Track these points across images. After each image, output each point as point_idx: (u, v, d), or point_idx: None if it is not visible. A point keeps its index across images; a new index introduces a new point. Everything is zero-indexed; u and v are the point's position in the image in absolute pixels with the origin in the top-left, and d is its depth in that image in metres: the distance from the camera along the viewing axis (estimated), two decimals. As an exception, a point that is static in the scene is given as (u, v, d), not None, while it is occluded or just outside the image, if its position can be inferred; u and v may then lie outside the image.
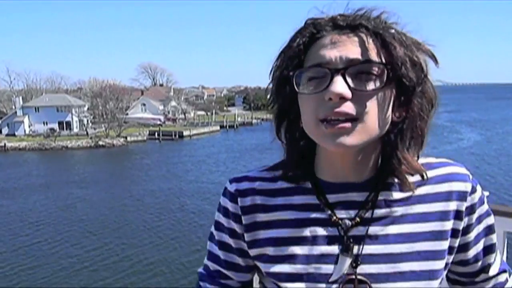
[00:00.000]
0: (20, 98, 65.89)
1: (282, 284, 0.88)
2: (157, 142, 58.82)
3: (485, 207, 0.91)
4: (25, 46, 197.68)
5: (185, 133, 62.81)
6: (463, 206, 0.87)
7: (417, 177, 0.87)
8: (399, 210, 0.86)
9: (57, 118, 61.15)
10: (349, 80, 0.76)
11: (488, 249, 0.94)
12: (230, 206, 0.93)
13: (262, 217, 0.91)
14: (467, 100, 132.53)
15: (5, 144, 55.27)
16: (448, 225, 0.86)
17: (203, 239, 20.42)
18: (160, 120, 70.03)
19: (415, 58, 0.78)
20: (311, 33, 0.81)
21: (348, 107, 0.76)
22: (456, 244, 0.89)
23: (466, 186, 0.87)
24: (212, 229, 0.98)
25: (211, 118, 76.83)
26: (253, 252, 0.92)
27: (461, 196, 0.87)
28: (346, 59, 0.76)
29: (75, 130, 61.30)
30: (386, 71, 0.76)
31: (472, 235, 0.91)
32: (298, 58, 0.81)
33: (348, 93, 0.75)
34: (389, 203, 0.86)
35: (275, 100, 0.87)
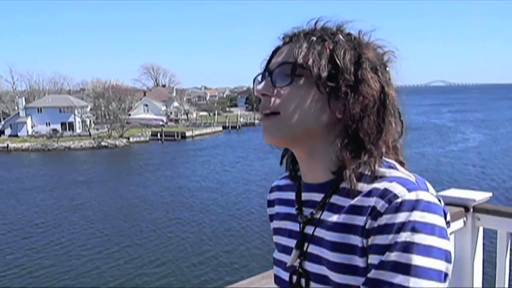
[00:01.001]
0: (23, 99, 65.89)
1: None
2: (160, 143, 58.66)
3: (404, 237, 0.75)
4: (28, 47, 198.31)
5: (188, 133, 62.65)
6: (371, 224, 0.79)
7: (366, 185, 0.84)
8: (335, 216, 0.86)
9: (60, 119, 61.12)
10: (275, 79, 0.88)
11: None
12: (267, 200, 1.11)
13: (274, 210, 1.07)
14: (470, 100, 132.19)
15: (8, 145, 55.19)
16: (356, 240, 0.81)
17: (211, 239, 20.29)
18: (162, 120, 69.83)
19: (336, 59, 0.84)
20: (276, 48, 0.94)
21: (267, 102, 0.88)
22: None
23: (381, 205, 0.78)
24: None
25: (213, 118, 76.51)
26: None
27: (373, 213, 0.79)
28: (277, 63, 0.89)
29: (78, 130, 61.22)
30: (291, 69, 0.86)
31: (372, 261, 0.78)
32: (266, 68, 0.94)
33: (266, 90, 0.88)
34: (335, 208, 0.86)
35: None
